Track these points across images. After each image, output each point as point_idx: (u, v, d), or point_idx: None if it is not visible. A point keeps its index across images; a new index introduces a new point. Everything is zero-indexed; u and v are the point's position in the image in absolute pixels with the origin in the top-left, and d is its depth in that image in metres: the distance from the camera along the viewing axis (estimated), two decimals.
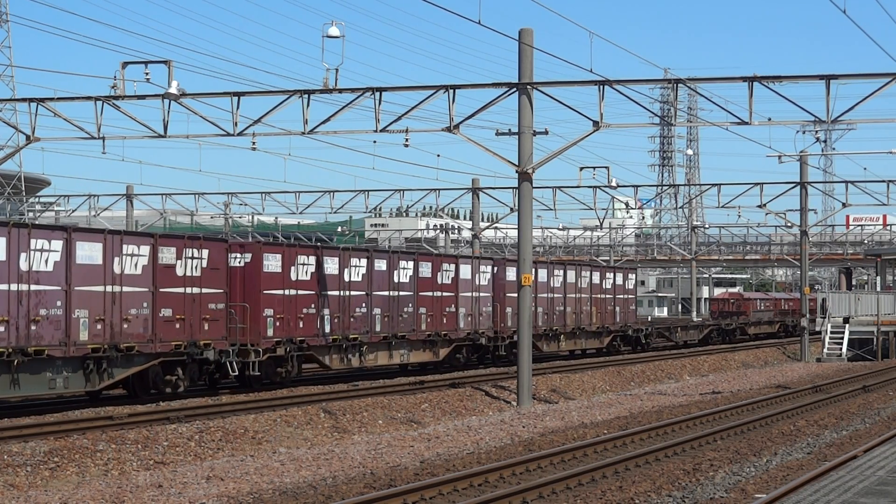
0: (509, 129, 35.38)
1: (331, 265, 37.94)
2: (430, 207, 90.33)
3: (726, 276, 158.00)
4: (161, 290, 31.46)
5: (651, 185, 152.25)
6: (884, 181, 60.85)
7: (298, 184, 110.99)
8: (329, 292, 37.78)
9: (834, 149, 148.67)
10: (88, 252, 29.42)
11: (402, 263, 41.81)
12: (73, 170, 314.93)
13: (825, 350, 61.13)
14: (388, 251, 42.51)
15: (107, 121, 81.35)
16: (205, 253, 33.03)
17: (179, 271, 32.13)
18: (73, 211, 75.25)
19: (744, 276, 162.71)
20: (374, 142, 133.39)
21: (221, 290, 33.56)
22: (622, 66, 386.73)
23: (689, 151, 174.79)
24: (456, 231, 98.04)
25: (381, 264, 40.50)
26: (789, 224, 70.69)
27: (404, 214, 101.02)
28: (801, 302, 64.38)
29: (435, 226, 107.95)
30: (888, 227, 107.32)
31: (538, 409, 34.00)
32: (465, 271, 45.71)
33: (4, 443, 23.31)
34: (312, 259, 37.17)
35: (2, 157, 59.15)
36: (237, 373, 33.95)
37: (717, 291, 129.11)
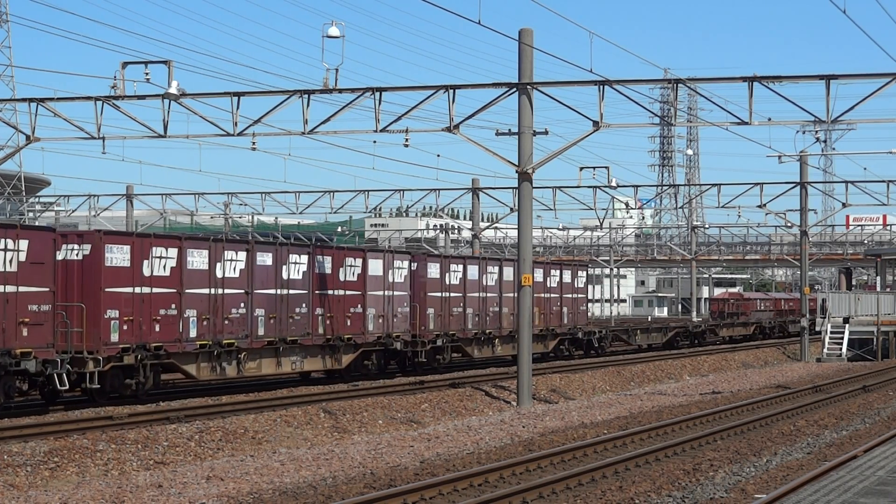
0: (509, 129, 35.42)
1: (198, 259, 32.99)
2: (430, 207, 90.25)
3: (726, 276, 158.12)
4: None
5: (651, 185, 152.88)
6: (884, 181, 60.94)
7: (298, 184, 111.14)
8: (196, 290, 32.84)
9: (834, 149, 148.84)
10: None
11: (293, 258, 36.74)
12: (73, 170, 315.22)
13: (825, 350, 61.15)
14: (273, 243, 37.03)
15: (107, 121, 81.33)
16: (23, 244, 27.47)
17: None
18: (73, 211, 75.34)
19: (744, 276, 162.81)
20: (374, 142, 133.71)
21: (47, 289, 28.12)
22: (622, 66, 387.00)
23: (689, 151, 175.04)
24: (456, 231, 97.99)
25: (265, 258, 35.51)
26: (789, 224, 70.68)
27: (404, 214, 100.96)
28: (801, 302, 64.40)
29: (435, 226, 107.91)
30: (888, 227, 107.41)
31: (538, 409, 34.00)
32: (375, 268, 40.62)
33: (4, 443, 23.30)
34: (173, 252, 32.18)
35: (2, 157, 59.16)
36: (67, 386, 28.85)
37: (717, 291, 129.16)
